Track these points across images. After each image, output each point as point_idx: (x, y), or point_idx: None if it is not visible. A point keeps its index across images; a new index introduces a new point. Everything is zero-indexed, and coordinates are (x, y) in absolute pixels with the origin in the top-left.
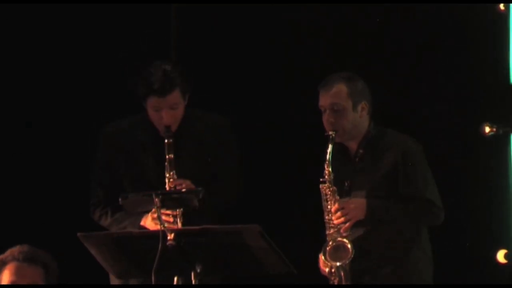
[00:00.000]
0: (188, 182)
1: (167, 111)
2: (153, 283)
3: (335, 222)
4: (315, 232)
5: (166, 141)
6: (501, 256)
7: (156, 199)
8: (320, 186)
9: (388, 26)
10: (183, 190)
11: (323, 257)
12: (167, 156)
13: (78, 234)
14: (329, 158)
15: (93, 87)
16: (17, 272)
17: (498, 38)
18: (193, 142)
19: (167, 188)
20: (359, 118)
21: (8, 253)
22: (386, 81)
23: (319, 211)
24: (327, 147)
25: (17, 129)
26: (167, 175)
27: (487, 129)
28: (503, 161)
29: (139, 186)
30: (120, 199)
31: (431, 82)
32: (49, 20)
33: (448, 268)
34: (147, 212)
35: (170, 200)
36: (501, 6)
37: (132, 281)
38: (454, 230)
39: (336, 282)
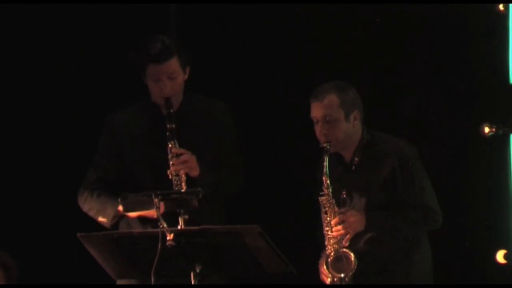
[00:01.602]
0: (189, 152)
1: (165, 81)
2: (152, 283)
3: (335, 234)
4: (314, 233)
5: (166, 111)
6: (500, 256)
7: (156, 200)
8: (319, 199)
9: (388, 26)
10: (183, 190)
11: (325, 268)
12: (168, 126)
13: (78, 234)
14: (326, 171)
15: (92, 87)
16: None
17: (498, 38)
18: (195, 125)
19: (169, 158)
20: (352, 127)
21: None
22: (385, 81)
23: (318, 211)
24: (323, 160)
25: (15, 129)
26: (169, 144)
27: (487, 129)
28: (503, 161)
29: (145, 171)
30: (119, 200)
31: (431, 82)
32: (49, 20)
33: (448, 268)
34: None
35: (169, 201)
36: (501, 6)
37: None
38: (454, 230)
39: None
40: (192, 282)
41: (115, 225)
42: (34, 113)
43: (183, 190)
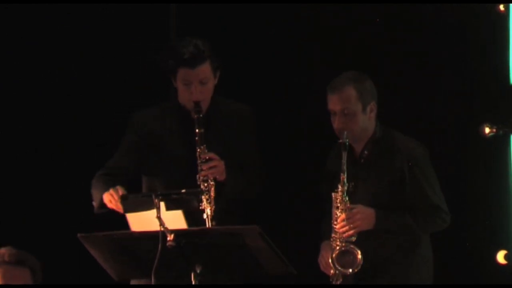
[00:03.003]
0: (217, 157)
1: (196, 85)
2: (152, 284)
3: (340, 230)
4: (314, 233)
5: (195, 116)
6: (501, 257)
7: (156, 200)
8: (332, 194)
9: (388, 27)
10: (183, 191)
11: (330, 261)
12: (197, 131)
13: (78, 234)
14: (344, 168)
15: (92, 87)
16: (7, 275)
17: (498, 38)
18: (221, 128)
19: (199, 163)
20: (368, 119)
21: None
22: (386, 81)
23: (318, 212)
24: (341, 156)
25: (16, 129)
26: (198, 149)
27: (487, 130)
28: (503, 161)
29: (170, 171)
30: (120, 200)
31: (431, 82)
32: (49, 20)
33: (448, 268)
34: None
35: (169, 201)
36: (501, 6)
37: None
38: (454, 230)
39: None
40: (193, 283)
41: None
42: (34, 113)
43: (183, 191)
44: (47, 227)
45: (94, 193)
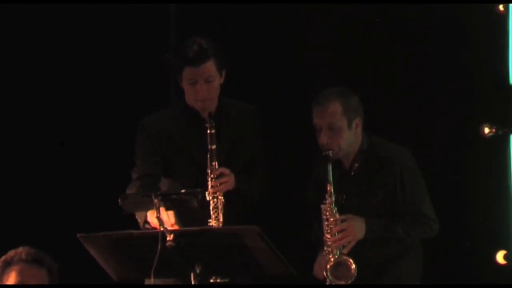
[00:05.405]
0: (227, 171)
1: (202, 84)
2: (152, 284)
3: (335, 244)
4: (310, 239)
5: (209, 132)
6: (500, 257)
7: (155, 200)
8: (322, 206)
9: (387, 26)
10: (183, 191)
11: (325, 274)
12: (209, 147)
13: (78, 235)
14: (330, 178)
15: (92, 87)
16: (24, 273)
17: (497, 38)
18: (229, 130)
19: (209, 179)
20: (354, 135)
21: (12, 254)
22: (385, 81)
23: (318, 213)
24: (327, 168)
25: (17, 129)
26: (209, 166)
27: (487, 130)
28: (503, 161)
29: (188, 170)
30: (119, 200)
31: (430, 82)
32: (49, 20)
33: (448, 268)
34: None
35: (169, 201)
36: (501, 7)
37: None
38: (454, 230)
39: None
40: (192, 283)
41: None
42: (34, 113)
43: (183, 191)
44: (47, 227)
45: (137, 208)
